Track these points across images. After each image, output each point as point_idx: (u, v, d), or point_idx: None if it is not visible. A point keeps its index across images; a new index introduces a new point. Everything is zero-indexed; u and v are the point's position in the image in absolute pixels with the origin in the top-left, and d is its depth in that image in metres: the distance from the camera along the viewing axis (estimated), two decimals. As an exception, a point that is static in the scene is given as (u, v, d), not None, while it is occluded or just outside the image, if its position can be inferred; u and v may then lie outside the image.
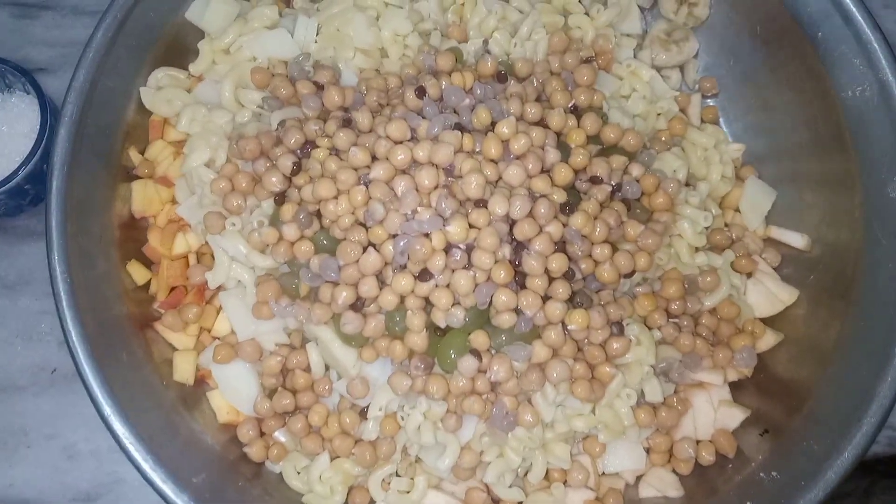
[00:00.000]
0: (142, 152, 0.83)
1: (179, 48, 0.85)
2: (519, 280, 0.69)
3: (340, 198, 0.70)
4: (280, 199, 0.74)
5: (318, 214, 0.73)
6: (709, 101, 0.93)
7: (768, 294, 0.81)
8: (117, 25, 0.79)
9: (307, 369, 0.76)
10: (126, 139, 0.82)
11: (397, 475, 0.75)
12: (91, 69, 0.78)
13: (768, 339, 0.80)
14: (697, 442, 0.77)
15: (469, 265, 0.69)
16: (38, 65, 0.95)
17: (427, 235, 0.68)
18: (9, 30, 0.98)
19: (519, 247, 0.70)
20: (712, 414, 0.77)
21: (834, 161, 0.82)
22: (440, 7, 0.86)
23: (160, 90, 0.82)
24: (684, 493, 0.75)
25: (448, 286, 0.69)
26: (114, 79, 0.80)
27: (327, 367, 0.76)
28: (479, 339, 0.70)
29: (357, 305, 0.71)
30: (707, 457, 0.76)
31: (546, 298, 0.70)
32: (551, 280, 0.70)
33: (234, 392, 0.76)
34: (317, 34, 0.83)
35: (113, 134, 0.81)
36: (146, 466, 0.68)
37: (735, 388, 0.80)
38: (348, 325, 0.70)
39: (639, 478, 0.77)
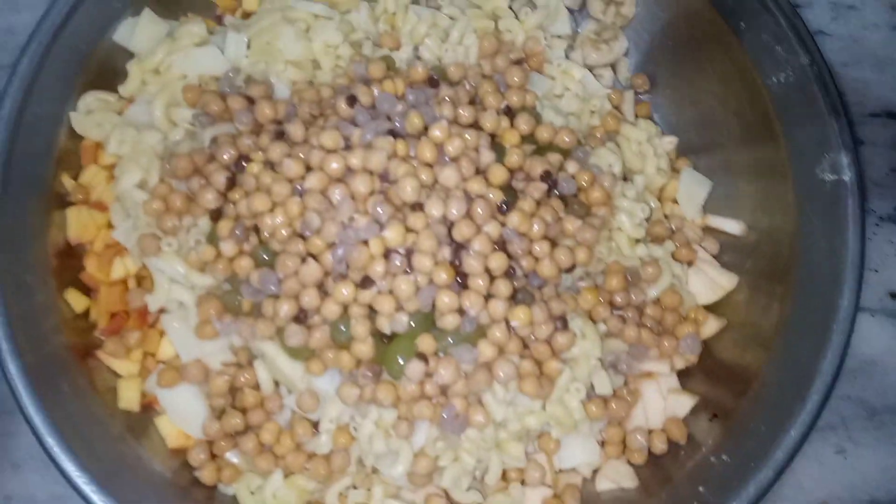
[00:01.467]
0: (75, 178, 0.81)
1: (109, 71, 0.84)
2: (461, 281, 0.70)
3: (276, 210, 0.70)
4: (216, 215, 0.73)
5: (256, 229, 0.72)
6: (641, 97, 0.95)
7: (709, 281, 0.83)
8: (43, 51, 0.78)
9: (256, 387, 0.75)
10: (58, 165, 0.81)
11: (354, 487, 0.74)
12: (17, 96, 0.76)
13: (712, 326, 0.82)
14: (649, 431, 0.78)
15: (410, 269, 0.69)
16: None
17: (365, 242, 0.68)
18: None
19: (458, 248, 0.70)
20: (662, 403, 0.78)
21: (764, 147, 0.84)
22: (371, 17, 0.86)
23: (90, 114, 0.81)
24: (639, 483, 0.76)
25: (390, 292, 0.69)
26: (42, 105, 0.79)
27: (277, 384, 0.75)
28: (425, 342, 0.70)
29: (300, 318, 0.70)
30: (659, 445, 0.76)
31: (488, 297, 0.70)
32: (493, 279, 0.70)
33: (182, 416, 0.75)
34: (247, 49, 0.82)
35: (44, 161, 0.80)
36: (96, 499, 0.66)
37: (683, 375, 0.81)
38: (292, 338, 0.69)
39: (595, 472, 0.78)
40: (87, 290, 0.79)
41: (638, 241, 0.81)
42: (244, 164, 0.74)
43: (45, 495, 0.81)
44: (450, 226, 0.70)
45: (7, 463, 0.82)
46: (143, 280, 0.79)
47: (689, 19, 0.90)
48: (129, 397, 0.75)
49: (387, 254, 0.69)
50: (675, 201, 0.88)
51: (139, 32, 0.83)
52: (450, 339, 0.71)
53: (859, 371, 0.88)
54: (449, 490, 0.74)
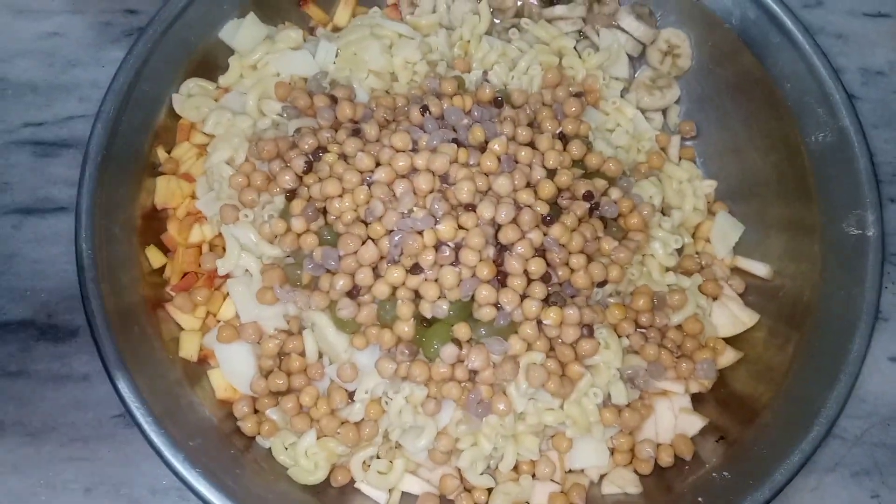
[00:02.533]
0: (168, 152, 0.91)
1: (210, 63, 0.95)
2: (500, 279, 0.77)
3: (345, 196, 0.78)
4: (291, 195, 0.82)
5: (324, 211, 0.80)
6: (687, 142, 1.02)
7: (731, 316, 0.88)
8: (157, 37, 0.88)
9: (302, 354, 0.82)
10: (155, 139, 0.91)
11: (378, 457, 0.81)
12: (129, 74, 0.87)
13: (729, 356, 0.87)
14: (658, 445, 0.82)
15: (456, 262, 0.76)
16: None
17: (420, 233, 0.76)
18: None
19: (502, 249, 0.77)
20: (673, 420, 0.83)
21: (798, 200, 0.90)
22: (448, 42, 0.96)
23: (190, 97, 0.91)
24: (643, 490, 0.81)
25: (436, 280, 0.76)
26: (149, 84, 0.89)
27: (321, 355, 0.83)
28: (461, 330, 0.77)
29: (352, 293, 0.78)
30: (666, 458, 0.81)
31: (524, 297, 0.77)
32: (530, 281, 0.77)
33: (234, 371, 0.83)
34: (336, 57, 0.92)
35: (144, 133, 0.90)
36: (145, 424, 0.74)
37: (697, 400, 0.86)
38: (343, 311, 0.77)
39: (602, 477, 0.83)
40: (165, 251, 0.88)
41: (668, 269, 0.88)
42: (321, 154, 0.83)
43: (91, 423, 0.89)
44: (497, 228, 0.78)
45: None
46: (216, 248, 0.88)
47: (740, 76, 0.97)
48: (189, 348, 0.84)
49: (438, 245, 0.76)
50: (708, 241, 0.94)
51: (243, 32, 0.94)
52: (483, 330, 0.77)
53: (892, 419, 0.92)
54: (464, 472, 0.80)
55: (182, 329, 0.85)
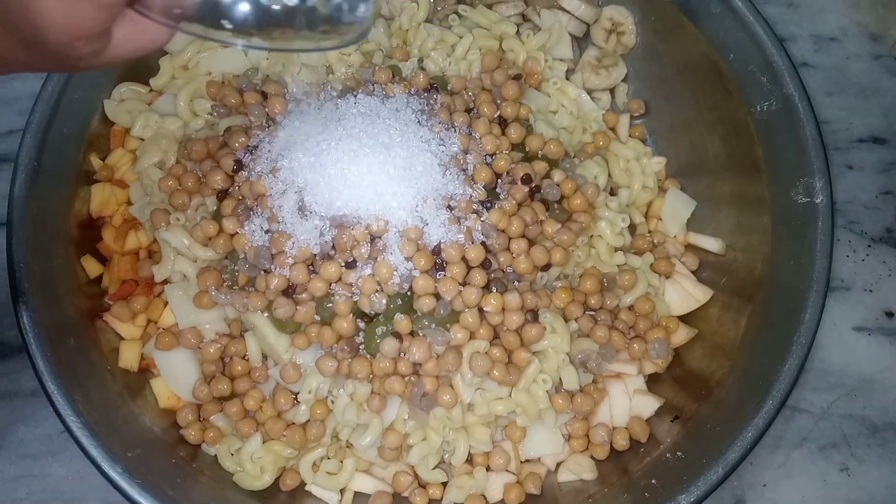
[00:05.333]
0: (103, 159, 0.89)
1: (142, 67, 0.92)
2: (438, 268, 0.75)
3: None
4: (222, 195, 0.80)
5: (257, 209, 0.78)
6: (637, 120, 1.00)
7: (684, 293, 0.87)
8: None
9: (245, 357, 0.80)
10: (89, 147, 0.89)
11: (328, 458, 0.79)
12: (58, 82, 0.85)
13: (682, 334, 0.85)
14: (613, 429, 0.81)
15: (392, 254, 0.74)
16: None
17: (350, 226, 0.74)
18: None
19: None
20: (628, 402, 0.81)
21: (746, 172, 0.88)
22: (387, 32, 0.94)
23: (122, 102, 0.89)
24: (598, 475, 0.79)
25: (372, 274, 0.74)
26: (80, 91, 0.87)
27: (265, 357, 0.81)
28: (401, 323, 0.75)
29: (288, 292, 0.76)
30: (622, 442, 0.79)
31: (464, 285, 0.75)
32: (469, 269, 0.75)
33: (175, 378, 0.81)
34: (268, 53, 0.90)
35: (77, 142, 0.88)
36: (82, 438, 0.72)
37: (652, 380, 0.84)
38: (280, 310, 0.75)
39: (559, 465, 0.81)
40: (101, 260, 0.86)
41: (617, 249, 0.86)
42: (252, 152, 0.81)
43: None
44: (432, 217, 0.76)
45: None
46: (153, 254, 0.86)
47: (685, 50, 0.95)
48: (129, 357, 0.82)
49: (372, 239, 0.74)
50: (660, 218, 0.92)
51: (173, 32, 0.92)
52: (425, 322, 0.75)
53: (859, 390, 0.91)
54: (416, 467, 0.78)
55: (122, 339, 0.83)
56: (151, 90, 0.91)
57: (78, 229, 0.86)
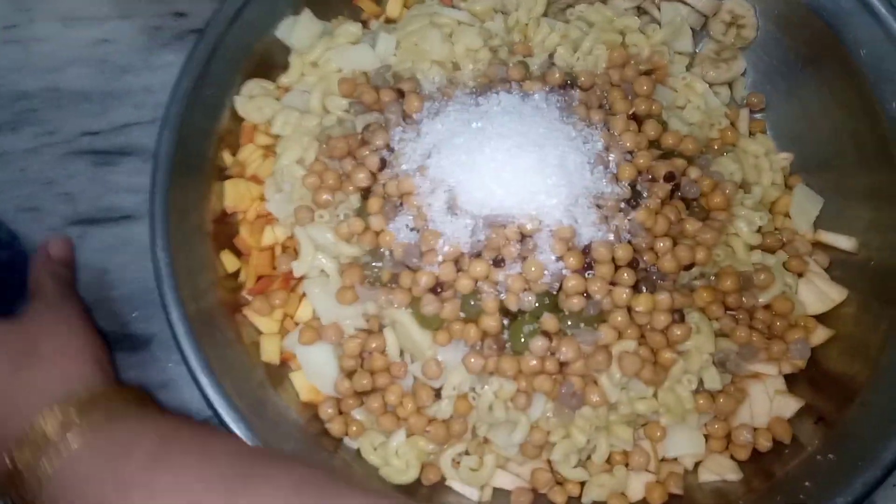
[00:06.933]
0: (233, 155, 0.91)
1: (268, 63, 0.93)
2: (587, 267, 0.75)
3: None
4: (365, 193, 0.81)
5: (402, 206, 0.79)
6: (756, 115, 0.99)
7: (819, 293, 0.86)
8: (216, 40, 0.87)
9: (384, 352, 0.81)
10: (220, 143, 0.90)
11: (467, 453, 0.80)
12: (191, 78, 0.85)
13: (820, 335, 0.84)
14: (754, 429, 0.80)
15: (541, 253, 0.74)
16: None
17: (503, 225, 0.74)
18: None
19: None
20: (768, 403, 0.80)
21: (879, 168, 0.87)
22: (505, 27, 0.93)
23: (252, 99, 0.90)
24: (743, 476, 0.79)
25: (521, 272, 0.75)
26: (211, 88, 0.88)
27: (402, 352, 0.82)
28: (549, 322, 0.75)
29: (435, 290, 0.76)
30: (764, 443, 0.79)
31: (613, 285, 0.75)
32: (617, 268, 0.75)
33: (316, 372, 0.82)
34: (396, 49, 0.90)
35: (208, 137, 0.89)
36: (234, 427, 0.73)
37: (789, 381, 0.84)
38: (428, 307, 0.76)
39: (697, 465, 0.81)
40: (238, 254, 0.88)
41: (753, 248, 0.85)
42: (393, 149, 0.81)
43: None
44: (581, 216, 0.76)
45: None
46: (288, 249, 0.87)
47: (810, 45, 0.93)
48: (270, 351, 0.83)
49: (521, 238, 0.75)
50: (787, 216, 0.91)
51: (299, 29, 0.92)
52: (570, 321, 0.76)
53: None
54: (557, 465, 0.78)
55: (261, 332, 0.85)
56: (279, 86, 0.92)
57: (214, 224, 0.87)
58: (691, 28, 0.99)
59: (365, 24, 0.98)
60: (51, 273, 0.87)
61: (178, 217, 0.82)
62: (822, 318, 0.86)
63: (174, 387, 0.90)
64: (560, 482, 0.80)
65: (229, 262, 0.86)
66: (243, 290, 0.86)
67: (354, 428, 0.80)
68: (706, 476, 0.80)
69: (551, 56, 0.90)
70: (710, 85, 0.97)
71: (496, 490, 0.80)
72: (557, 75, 0.85)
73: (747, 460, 0.80)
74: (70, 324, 0.81)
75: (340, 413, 0.82)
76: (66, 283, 0.89)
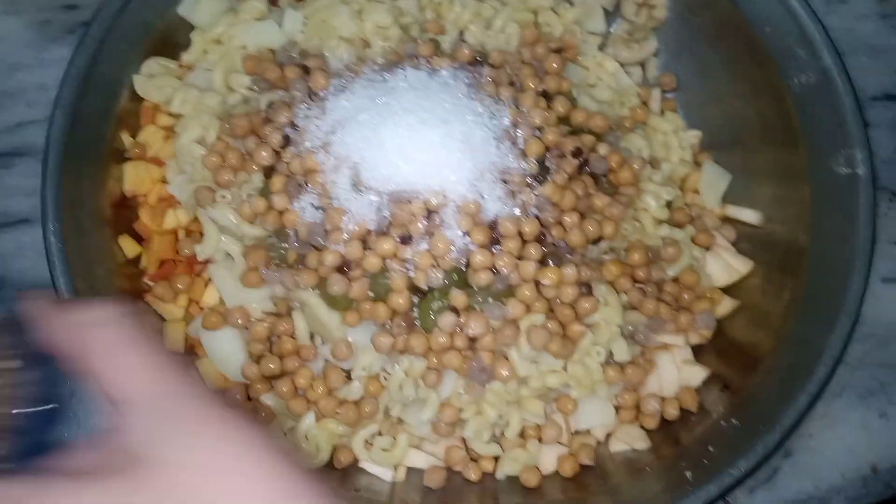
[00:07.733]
0: (133, 137, 0.87)
1: (170, 41, 0.90)
2: (494, 242, 0.74)
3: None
4: (269, 172, 0.79)
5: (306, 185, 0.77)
6: (668, 94, 1.00)
7: (725, 265, 0.87)
8: (113, 17, 0.83)
9: (293, 335, 0.79)
10: (118, 124, 0.86)
11: (380, 434, 0.78)
12: (85, 59, 0.82)
13: (726, 305, 0.86)
14: (663, 399, 0.82)
15: (448, 229, 0.74)
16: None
17: (409, 201, 0.73)
18: None
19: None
20: (676, 373, 0.82)
21: (783, 144, 0.89)
22: (418, 5, 0.92)
23: (152, 78, 0.87)
24: (651, 445, 0.80)
25: (429, 249, 0.74)
26: (107, 67, 0.84)
27: (312, 336, 0.80)
28: (457, 298, 0.74)
29: (342, 269, 0.75)
30: (672, 411, 0.80)
31: (520, 259, 0.75)
32: (524, 243, 0.75)
33: (223, 358, 0.79)
34: (303, 26, 0.88)
35: (106, 119, 0.85)
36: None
37: (696, 352, 0.85)
38: (335, 286, 0.74)
39: (608, 436, 0.82)
40: (139, 239, 0.84)
41: (661, 222, 0.86)
42: (296, 127, 0.79)
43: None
44: (487, 191, 0.75)
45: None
46: (192, 233, 0.84)
47: (718, 24, 0.95)
48: (174, 339, 0.80)
49: (428, 214, 0.74)
50: (696, 191, 0.93)
51: (203, 6, 0.89)
52: (479, 297, 0.75)
53: (890, 338, 0.92)
54: (470, 441, 0.78)
55: (164, 319, 0.82)
56: (182, 65, 0.89)
57: (112, 209, 0.84)
58: (604, 8, 0.99)
59: (274, 1, 0.96)
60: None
61: (71, 203, 0.78)
62: (728, 290, 0.88)
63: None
64: (474, 459, 0.80)
65: (129, 247, 0.83)
66: (145, 277, 0.83)
67: (263, 414, 0.78)
68: (617, 446, 0.81)
69: (462, 34, 0.90)
70: (623, 65, 0.98)
71: (410, 470, 0.80)
72: (467, 52, 0.84)
73: (656, 429, 0.81)
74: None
75: (249, 399, 0.79)
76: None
